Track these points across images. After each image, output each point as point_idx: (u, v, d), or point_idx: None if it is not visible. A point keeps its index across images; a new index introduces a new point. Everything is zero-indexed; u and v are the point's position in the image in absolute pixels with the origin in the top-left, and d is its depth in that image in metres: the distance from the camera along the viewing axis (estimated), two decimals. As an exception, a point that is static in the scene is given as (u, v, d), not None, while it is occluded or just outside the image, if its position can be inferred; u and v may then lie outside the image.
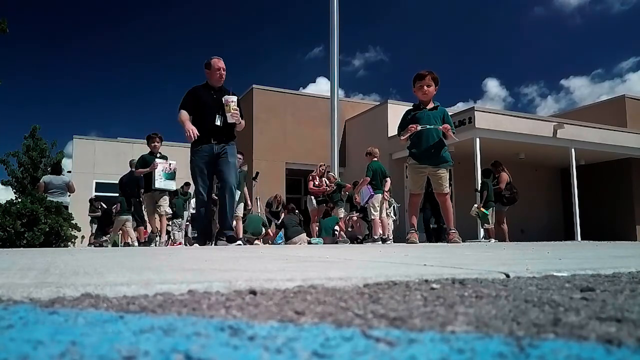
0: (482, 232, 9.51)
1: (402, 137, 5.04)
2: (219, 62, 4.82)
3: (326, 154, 13.60)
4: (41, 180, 9.07)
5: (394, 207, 8.70)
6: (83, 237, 12.52)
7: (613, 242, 6.04)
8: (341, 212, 9.71)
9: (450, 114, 5.33)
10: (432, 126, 4.90)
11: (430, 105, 5.07)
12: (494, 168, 9.73)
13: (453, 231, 4.95)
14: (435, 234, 8.56)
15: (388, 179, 7.67)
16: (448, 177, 5.12)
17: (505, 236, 8.61)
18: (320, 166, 10.07)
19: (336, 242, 8.33)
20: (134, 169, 8.93)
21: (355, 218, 9.13)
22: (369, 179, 7.61)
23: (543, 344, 0.29)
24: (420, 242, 5.01)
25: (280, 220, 8.03)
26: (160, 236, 7.65)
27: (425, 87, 5.00)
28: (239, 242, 4.97)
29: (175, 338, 0.31)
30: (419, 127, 4.88)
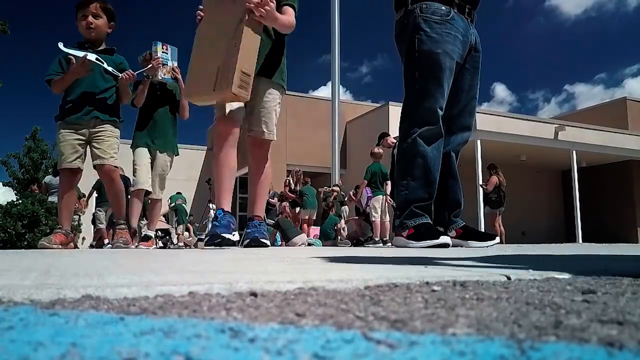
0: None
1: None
2: None
3: (327, 156, 13.61)
4: (43, 182, 9.33)
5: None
6: (84, 238, 12.51)
7: (614, 244, 6.03)
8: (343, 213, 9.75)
9: None
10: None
11: (103, 47, 3.70)
12: (488, 170, 9.78)
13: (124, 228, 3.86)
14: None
15: (389, 182, 7.68)
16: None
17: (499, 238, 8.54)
18: (296, 172, 10.33)
19: (336, 245, 8.33)
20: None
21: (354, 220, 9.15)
22: (366, 181, 7.70)
23: (544, 347, 0.29)
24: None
25: (275, 222, 7.97)
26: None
27: (91, 18, 3.47)
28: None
29: (175, 340, 0.31)
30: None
